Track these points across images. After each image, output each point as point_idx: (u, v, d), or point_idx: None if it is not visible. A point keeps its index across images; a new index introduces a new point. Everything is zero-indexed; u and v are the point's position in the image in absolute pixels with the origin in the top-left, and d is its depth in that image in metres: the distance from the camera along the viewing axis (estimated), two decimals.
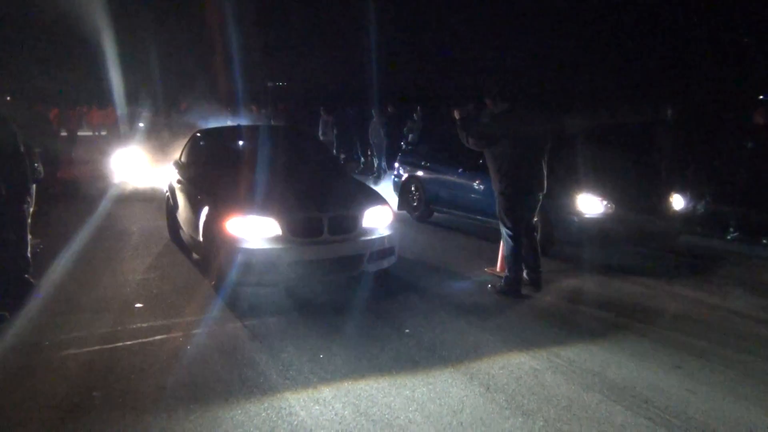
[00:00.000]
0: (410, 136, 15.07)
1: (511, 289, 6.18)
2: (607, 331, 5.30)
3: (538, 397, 4.07)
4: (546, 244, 7.66)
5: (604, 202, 7.30)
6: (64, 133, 17.42)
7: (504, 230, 6.23)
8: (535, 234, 6.44)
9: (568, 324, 5.48)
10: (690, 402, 4.01)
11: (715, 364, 4.58)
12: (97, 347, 4.88)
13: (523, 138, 5.99)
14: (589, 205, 7.30)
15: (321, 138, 16.97)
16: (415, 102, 16.54)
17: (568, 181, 7.47)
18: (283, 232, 5.75)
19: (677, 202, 7.80)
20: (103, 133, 18.16)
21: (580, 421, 3.75)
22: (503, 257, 6.85)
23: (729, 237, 8.70)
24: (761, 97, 18.94)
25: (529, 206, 6.23)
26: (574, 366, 4.54)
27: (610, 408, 3.92)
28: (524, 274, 6.30)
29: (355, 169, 16.65)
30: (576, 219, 7.29)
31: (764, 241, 8.35)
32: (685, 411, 3.88)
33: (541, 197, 6.27)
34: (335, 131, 17.66)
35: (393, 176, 11.08)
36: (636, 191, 7.76)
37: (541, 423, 3.73)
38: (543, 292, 6.27)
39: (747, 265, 7.47)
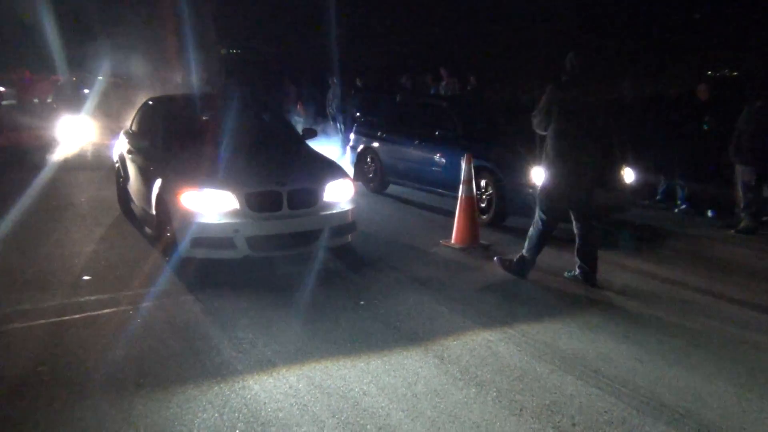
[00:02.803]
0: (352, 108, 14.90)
1: (521, 270, 5.94)
2: (558, 302, 5.39)
3: (491, 367, 4.11)
4: (499, 215, 7.79)
5: None
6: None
7: (538, 212, 5.88)
8: (596, 225, 5.90)
9: (521, 296, 5.56)
10: (638, 371, 4.11)
11: (662, 334, 4.70)
12: (42, 321, 4.75)
13: (583, 121, 5.58)
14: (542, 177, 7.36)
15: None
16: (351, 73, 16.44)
17: (521, 153, 7.52)
18: (240, 205, 5.63)
19: (628, 175, 7.94)
20: (35, 101, 17.61)
21: (532, 391, 3.81)
22: (460, 229, 6.88)
23: (677, 210, 8.92)
24: (709, 72, 19.40)
25: (578, 195, 5.74)
26: (526, 337, 4.60)
27: (562, 378, 3.99)
28: (576, 268, 5.89)
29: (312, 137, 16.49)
30: (530, 191, 7.34)
31: (709, 213, 8.59)
32: (634, 380, 3.98)
33: (591, 189, 5.80)
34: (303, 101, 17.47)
35: (349, 146, 10.99)
36: None
37: (494, 393, 3.78)
38: (496, 264, 6.25)
39: (693, 237, 7.67)
